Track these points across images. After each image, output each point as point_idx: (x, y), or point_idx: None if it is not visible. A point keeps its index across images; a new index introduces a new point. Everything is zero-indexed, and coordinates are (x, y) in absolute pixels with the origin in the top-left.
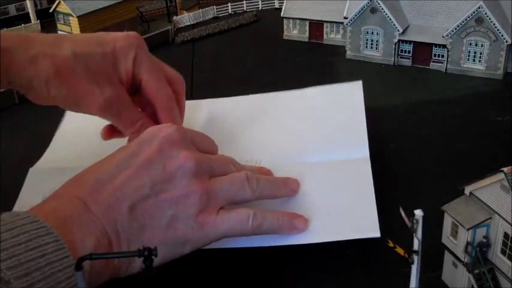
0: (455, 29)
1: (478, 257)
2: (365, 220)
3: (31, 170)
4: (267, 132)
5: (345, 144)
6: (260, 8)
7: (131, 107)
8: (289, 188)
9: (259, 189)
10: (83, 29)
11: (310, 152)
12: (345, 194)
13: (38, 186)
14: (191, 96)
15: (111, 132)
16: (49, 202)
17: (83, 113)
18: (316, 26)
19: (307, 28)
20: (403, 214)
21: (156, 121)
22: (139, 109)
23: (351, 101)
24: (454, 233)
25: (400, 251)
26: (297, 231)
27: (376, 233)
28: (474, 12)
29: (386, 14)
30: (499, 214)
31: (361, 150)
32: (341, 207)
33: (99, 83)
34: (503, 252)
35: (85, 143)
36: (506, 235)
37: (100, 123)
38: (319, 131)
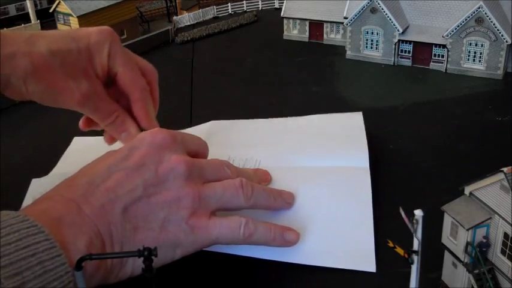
0: (455, 29)
1: (478, 257)
2: (361, 251)
3: (34, 181)
4: (268, 136)
5: (345, 154)
6: (260, 8)
7: (107, 99)
8: (284, 200)
9: (254, 198)
10: None
11: (310, 157)
12: (343, 211)
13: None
14: (191, 96)
15: (89, 123)
16: (40, 203)
17: (61, 107)
18: (316, 26)
19: (307, 28)
20: (403, 214)
21: (130, 112)
22: (115, 101)
23: (352, 125)
24: (454, 233)
25: (400, 251)
26: (288, 244)
27: (372, 268)
28: (474, 12)
29: (386, 14)
30: (499, 214)
31: (362, 161)
32: (337, 228)
33: (75, 78)
34: (503, 252)
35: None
36: (506, 235)
37: (105, 146)
38: (320, 142)
